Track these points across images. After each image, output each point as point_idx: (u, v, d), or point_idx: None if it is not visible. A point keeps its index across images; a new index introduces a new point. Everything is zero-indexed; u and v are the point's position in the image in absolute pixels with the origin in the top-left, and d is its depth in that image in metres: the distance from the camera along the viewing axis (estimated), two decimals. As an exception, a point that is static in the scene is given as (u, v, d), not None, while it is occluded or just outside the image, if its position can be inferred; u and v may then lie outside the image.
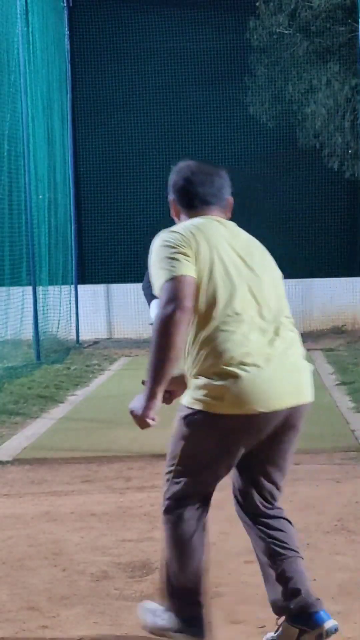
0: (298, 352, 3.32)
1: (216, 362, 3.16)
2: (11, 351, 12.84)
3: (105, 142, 16.99)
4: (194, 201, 3.40)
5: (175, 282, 3.11)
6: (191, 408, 3.21)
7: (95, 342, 15.76)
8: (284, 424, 3.26)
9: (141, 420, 3.18)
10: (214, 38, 17.07)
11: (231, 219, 3.49)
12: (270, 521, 3.39)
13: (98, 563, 4.46)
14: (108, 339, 16.43)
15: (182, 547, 3.36)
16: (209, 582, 3.50)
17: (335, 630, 3.31)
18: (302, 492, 5.71)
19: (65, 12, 15.97)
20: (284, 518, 3.42)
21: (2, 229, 12.57)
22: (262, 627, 3.59)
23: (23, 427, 8.28)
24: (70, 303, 15.58)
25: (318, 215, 17.08)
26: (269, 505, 3.40)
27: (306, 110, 16.79)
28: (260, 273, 3.31)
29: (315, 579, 4.10)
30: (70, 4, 16.01)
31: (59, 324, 14.72)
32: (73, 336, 15.64)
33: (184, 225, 3.32)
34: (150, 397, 3.15)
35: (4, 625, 3.70)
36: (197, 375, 3.20)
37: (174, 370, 3.17)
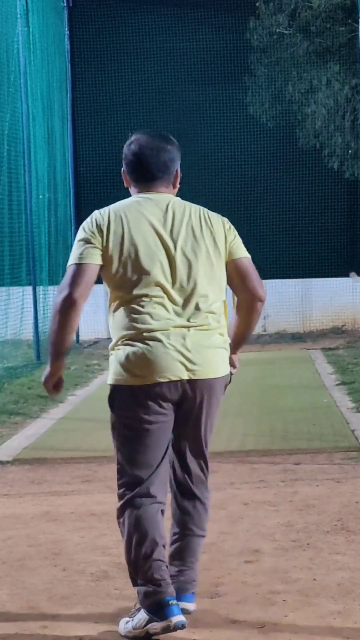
0: (206, 333, 3.52)
1: (124, 337, 3.50)
2: (11, 351, 12.84)
3: (106, 141, 16.97)
4: (139, 176, 3.64)
5: (73, 269, 3.49)
6: (109, 385, 3.57)
7: (95, 342, 15.75)
8: (186, 396, 3.51)
9: (45, 389, 3.67)
10: (214, 38, 17.06)
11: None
12: (182, 495, 3.65)
13: (98, 563, 4.46)
14: (108, 338, 16.36)
15: (136, 534, 3.50)
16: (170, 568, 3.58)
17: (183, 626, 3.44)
18: (302, 492, 5.71)
19: (65, 12, 15.97)
20: (199, 499, 3.67)
21: (2, 229, 12.57)
22: (262, 627, 3.59)
23: (23, 427, 8.28)
24: (70, 303, 15.54)
25: (318, 215, 17.07)
26: (187, 483, 3.65)
27: (306, 111, 16.79)
28: (179, 254, 3.51)
29: (315, 579, 4.11)
30: (70, 4, 16.01)
31: (59, 324, 14.67)
32: (73, 336, 15.61)
33: (108, 209, 3.57)
34: (50, 368, 3.62)
35: (4, 625, 3.70)
36: (111, 350, 3.58)
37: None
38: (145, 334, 3.46)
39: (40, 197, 13.93)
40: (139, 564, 3.49)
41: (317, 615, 3.69)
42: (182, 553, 3.63)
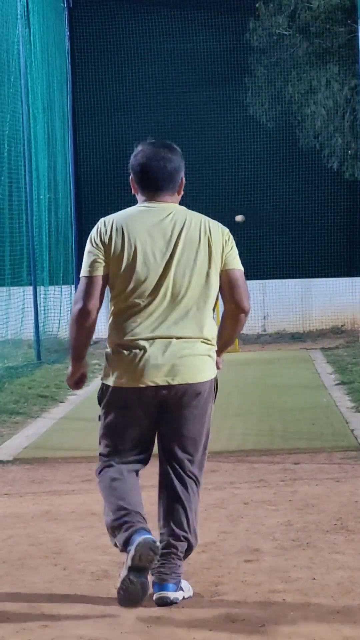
0: (189, 341, 3.72)
1: (114, 340, 3.77)
2: (12, 351, 12.86)
3: (106, 142, 17.00)
4: (145, 185, 3.82)
5: (85, 281, 3.74)
6: (101, 382, 3.86)
7: (96, 342, 15.72)
8: (167, 401, 3.73)
9: (68, 385, 4.01)
10: (214, 39, 17.09)
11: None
12: (167, 497, 3.85)
13: (98, 562, 4.47)
14: (108, 339, 16.40)
15: (106, 491, 3.77)
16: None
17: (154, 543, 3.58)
18: (301, 492, 5.72)
19: (66, 12, 15.99)
20: (182, 501, 3.81)
21: (3, 229, 12.59)
22: (262, 626, 3.60)
23: (23, 427, 8.30)
24: (70, 303, 15.59)
25: (318, 215, 17.09)
26: (172, 486, 3.83)
27: (306, 111, 16.82)
28: (174, 265, 3.69)
29: (314, 578, 4.12)
30: (71, 5, 16.03)
31: (59, 323, 14.74)
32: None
33: (112, 219, 3.79)
34: (72, 369, 3.92)
35: (5, 624, 3.71)
36: (106, 351, 3.82)
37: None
38: (132, 342, 3.70)
39: (41, 197, 13.95)
40: (115, 525, 3.67)
41: (317, 615, 3.70)
42: (164, 549, 3.78)
